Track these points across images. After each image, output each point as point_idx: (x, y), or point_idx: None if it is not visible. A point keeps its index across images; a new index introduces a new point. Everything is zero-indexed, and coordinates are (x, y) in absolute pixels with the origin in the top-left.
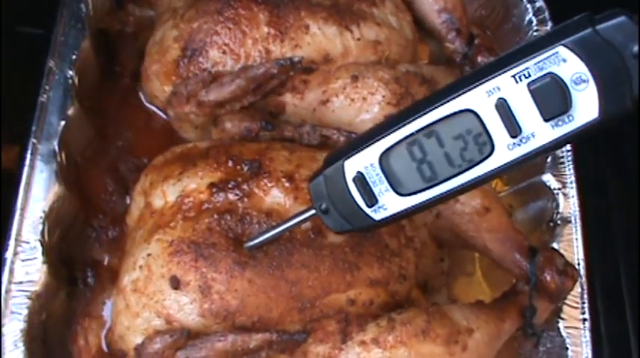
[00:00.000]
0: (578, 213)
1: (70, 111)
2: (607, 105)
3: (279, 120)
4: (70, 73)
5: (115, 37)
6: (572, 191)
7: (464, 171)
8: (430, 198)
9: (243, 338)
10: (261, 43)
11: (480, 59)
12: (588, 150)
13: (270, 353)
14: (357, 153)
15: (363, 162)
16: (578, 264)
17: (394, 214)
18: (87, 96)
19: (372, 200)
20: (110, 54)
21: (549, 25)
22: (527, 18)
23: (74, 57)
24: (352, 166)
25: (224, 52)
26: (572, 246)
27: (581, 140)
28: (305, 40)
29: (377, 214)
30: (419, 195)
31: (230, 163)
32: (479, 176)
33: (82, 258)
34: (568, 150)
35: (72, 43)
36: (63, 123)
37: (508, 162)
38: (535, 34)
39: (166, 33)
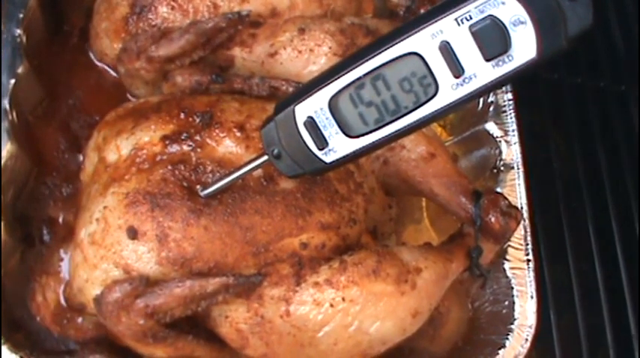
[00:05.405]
0: (520, 159)
1: (20, 70)
2: (544, 45)
3: (229, 73)
4: (18, 31)
5: None
6: (514, 138)
7: (410, 112)
8: (378, 139)
9: (200, 283)
10: None
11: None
12: (528, 98)
13: (227, 297)
14: (307, 98)
15: (313, 106)
16: (522, 208)
17: (344, 156)
18: (36, 55)
19: (322, 143)
20: (58, 13)
21: None
22: None
23: (21, 16)
24: (303, 111)
25: (173, 8)
26: (516, 190)
27: (520, 80)
28: None
29: (327, 157)
30: (368, 136)
31: (182, 115)
32: (424, 116)
33: (37, 216)
34: (510, 99)
35: (19, 1)
36: (13, 81)
37: (452, 102)
38: None
39: None
